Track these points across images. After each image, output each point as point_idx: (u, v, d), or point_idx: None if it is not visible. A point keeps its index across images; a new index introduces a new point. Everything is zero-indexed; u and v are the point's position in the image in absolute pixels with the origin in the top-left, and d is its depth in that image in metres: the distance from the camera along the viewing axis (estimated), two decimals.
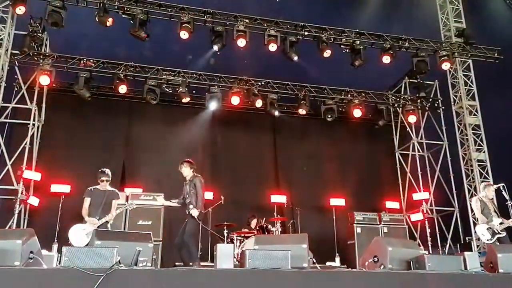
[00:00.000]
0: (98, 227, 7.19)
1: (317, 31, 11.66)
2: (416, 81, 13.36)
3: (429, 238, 11.74)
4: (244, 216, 10.68)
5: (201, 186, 7.84)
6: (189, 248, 7.45)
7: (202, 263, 8.29)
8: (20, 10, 9.99)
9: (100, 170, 7.68)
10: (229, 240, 9.56)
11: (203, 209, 7.89)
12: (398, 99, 13.64)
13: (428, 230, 11.90)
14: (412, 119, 13.05)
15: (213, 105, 12.01)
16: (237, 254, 8.82)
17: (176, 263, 8.79)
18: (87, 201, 7.44)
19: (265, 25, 11.32)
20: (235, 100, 12.06)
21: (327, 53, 11.40)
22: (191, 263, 7.29)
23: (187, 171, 7.99)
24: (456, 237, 12.36)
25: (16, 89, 11.30)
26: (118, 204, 7.75)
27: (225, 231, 9.66)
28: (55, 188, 10.57)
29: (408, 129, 13.45)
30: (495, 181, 11.30)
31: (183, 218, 7.93)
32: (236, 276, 4.79)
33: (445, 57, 12.12)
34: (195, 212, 7.57)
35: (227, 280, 4.70)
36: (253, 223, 10.31)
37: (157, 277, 4.60)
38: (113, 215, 7.46)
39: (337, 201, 12.18)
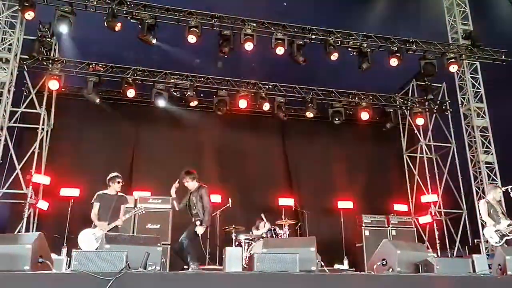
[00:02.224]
0: (107, 231, 7.23)
1: (324, 34, 11.66)
2: (423, 83, 13.33)
3: (437, 241, 11.71)
4: (252, 219, 10.68)
5: (208, 198, 7.75)
6: (188, 252, 7.42)
7: (210, 266, 8.31)
8: (29, 15, 10.06)
9: (114, 175, 7.69)
10: (237, 243, 9.57)
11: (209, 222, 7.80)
12: (405, 102, 13.62)
13: (436, 233, 11.89)
14: (420, 121, 13.03)
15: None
16: (246, 257, 8.83)
17: (185, 266, 8.82)
18: (96, 206, 7.47)
19: (272, 28, 11.35)
20: (242, 104, 12.11)
21: (334, 56, 11.40)
22: (189, 265, 7.29)
23: (191, 184, 7.84)
24: (464, 239, 12.31)
25: (25, 93, 11.40)
26: (126, 208, 7.80)
27: (233, 234, 9.67)
28: (64, 192, 10.67)
29: (416, 131, 13.43)
30: (503, 183, 11.28)
31: (190, 222, 7.91)
32: (244, 279, 4.82)
33: (453, 60, 12.09)
34: (200, 230, 7.49)
35: (236, 283, 4.72)
36: (261, 226, 10.31)
37: (166, 280, 4.63)
38: (122, 220, 7.50)
39: (345, 204, 12.21)
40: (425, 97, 13.30)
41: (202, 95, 12.54)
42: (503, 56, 12.60)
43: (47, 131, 11.59)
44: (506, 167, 12.46)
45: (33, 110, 11.18)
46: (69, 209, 10.25)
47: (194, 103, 12.13)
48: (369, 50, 11.71)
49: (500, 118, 13.14)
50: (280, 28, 11.38)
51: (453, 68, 12.24)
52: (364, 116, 12.71)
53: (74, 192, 10.62)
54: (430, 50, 12.23)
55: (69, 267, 4.82)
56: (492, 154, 12.67)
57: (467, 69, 13.34)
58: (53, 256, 5.92)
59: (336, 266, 10.54)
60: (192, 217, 7.77)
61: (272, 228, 9.91)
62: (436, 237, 11.83)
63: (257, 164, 13.01)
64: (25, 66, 11.12)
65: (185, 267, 7.79)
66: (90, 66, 11.56)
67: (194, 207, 7.72)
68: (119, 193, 7.67)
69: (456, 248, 12.32)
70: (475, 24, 13.47)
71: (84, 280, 4.23)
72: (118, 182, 7.63)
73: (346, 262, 10.93)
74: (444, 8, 13.95)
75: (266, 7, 12.32)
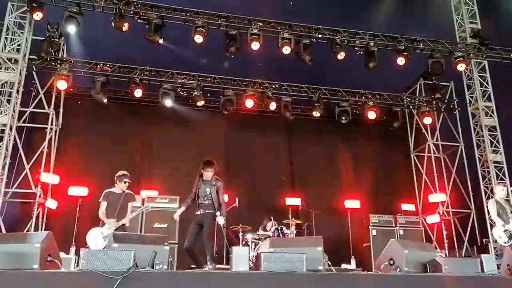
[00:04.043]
0: (115, 230, 7.26)
1: (331, 33, 11.65)
2: (431, 82, 13.26)
3: (445, 241, 11.64)
4: (259, 218, 10.69)
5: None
6: (207, 249, 7.31)
7: (217, 266, 8.30)
8: (38, 16, 10.15)
9: (122, 173, 7.71)
10: (244, 242, 9.58)
11: None
12: (413, 101, 13.57)
13: (444, 232, 11.81)
14: (427, 120, 12.97)
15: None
16: (252, 256, 8.83)
17: (192, 266, 8.84)
18: (103, 205, 7.50)
19: (279, 28, 11.35)
20: (249, 103, 12.13)
21: (341, 55, 11.39)
22: (207, 264, 7.19)
23: (210, 174, 7.57)
24: (473, 239, 12.23)
25: (34, 93, 11.48)
26: (133, 206, 7.82)
27: (240, 234, 9.67)
28: (73, 191, 10.72)
29: (424, 130, 13.36)
30: None
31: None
32: (251, 279, 4.81)
33: (460, 58, 12.04)
34: (221, 220, 7.34)
35: (243, 283, 4.72)
36: (269, 225, 10.31)
37: (173, 279, 4.65)
38: (129, 218, 7.52)
39: (352, 203, 12.17)
40: (432, 96, 13.23)
41: (209, 94, 12.57)
42: (511, 55, 12.51)
43: (55, 131, 11.68)
44: None
45: (42, 110, 11.26)
46: (78, 208, 10.30)
47: (201, 103, 12.18)
48: (376, 49, 11.69)
49: (509, 117, 13.03)
50: (286, 28, 11.38)
51: (461, 67, 12.18)
52: (371, 115, 12.68)
53: (82, 191, 10.68)
54: (438, 49, 12.18)
55: (77, 265, 4.85)
56: (500, 153, 12.59)
57: (475, 68, 13.26)
58: (62, 254, 5.97)
59: (343, 265, 10.52)
60: (199, 208, 7.52)
61: (279, 228, 9.90)
62: (444, 236, 11.77)
63: (263, 163, 13.00)
64: (33, 66, 11.20)
65: (193, 266, 7.80)
66: (98, 66, 11.64)
67: (207, 198, 7.48)
68: (126, 191, 7.69)
69: (464, 248, 12.25)
70: (483, 22, 13.39)
71: (92, 279, 4.25)
72: (125, 182, 7.65)
73: (353, 261, 10.91)
74: (452, 6, 13.88)
75: (272, 6, 12.31)
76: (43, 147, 10.92)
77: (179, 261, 9.48)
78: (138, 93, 11.63)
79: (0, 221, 10.10)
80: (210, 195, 7.52)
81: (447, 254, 11.00)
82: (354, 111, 13.01)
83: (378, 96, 13.08)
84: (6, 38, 10.72)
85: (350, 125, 13.05)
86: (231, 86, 12.28)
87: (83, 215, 10.09)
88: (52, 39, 11.18)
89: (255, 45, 10.98)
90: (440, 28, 13.59)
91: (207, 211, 7.48)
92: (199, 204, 7.55)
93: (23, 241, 4.89)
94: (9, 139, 10.40)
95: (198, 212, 7.52)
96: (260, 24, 11.24)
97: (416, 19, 13.82)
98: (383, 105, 13.24)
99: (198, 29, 10.72)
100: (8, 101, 10.48)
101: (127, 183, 7.67)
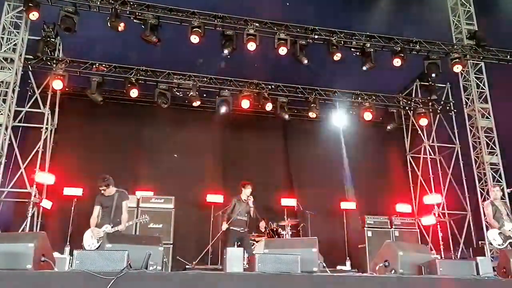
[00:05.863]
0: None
1: (327, 34, 11.64)
2: (427, 83, 13.26)
3: (441, 242, 11.63)
4: (254, 219, 10.66)
5: None
6: None
7: (211, 266, 8.41)
8: (34, 15, 10.12)
9: (99, 180, 7.37)
10: (239, 243, 9.56)
11: None
12: (409, 102, 13.57)
13: (440, 234, 11.80)
14: (423, 122, 12.95)
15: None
16: (247, 257, 8.81)
17: (187, 266, 8.83)
18: (96, 209, 7.30)
19: (275, 28, 11.33)
20: (245, 104, 12.10)
21: (337, 56, 11.38)
22: None
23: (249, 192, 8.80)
24: (468, 241, 12.23)
25: (29, 93, 11.42)
26: (129, 208, 7.72)
27: None
28: (68, 191, 10.70)
29: (420, 132, 13.36)
30: (508, 185, 11.22)
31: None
32: (245, 280, 4.80)
33: (457, 60, 12.01)
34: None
35: (236, 284, 4.70)
36: (261, 226, 10.29)
37: (166, 280, 4.63)
38: (125, 225, 7.34)
39: (348, 205, 12.17)
40: (428, 98, 13.25)
41: (205, 95, 12.54)
42: (508, 56, 12.53)
43: (51, 131, 11.62)
44: (511, 168, 12.37)
45: (37, 110, 11.20)
46: (73, 208, 10.28)
47: (197, 103, 12.14)
48: (372, 50, 11.67)
49: (505, 118, 13.04)
50: (283, 28, 11.36)
51: (457, 68, 12.16)
52: (367, 116, 12.68)
53: (77, 191, 10.65)
54: (434, 50, 12.16)
55: (71, 266, 4.83)
56: (496, 155, 12.58)
57: (472, 69, 13.28)
58: (57, 254, 5.94)
59: (339, 267, 10.53)
60: (236, 225, 8.64)
61: (274, 229, 9.90)
62: (440, 238, 11.76)
63: (259, 164, 12.97)
64: (29, 66, 11.16)
65: (187, 266, 7.80)
66: (94, 66, 11.61)
67: (247, 215, 8.74)
68: (118, 190, 7.50)
69: (460, 250, 12.25)
70: (479, 24, 13.39)
71: (85, 279, 4.24)
72: (100, 187, 7.35)
73: (348, 263, 10.91)
74: (449, 7, 13.88)
75: (268, 7, 12.30)
76: (39, 147, 10.86)
77: (174, 262, 9.46)
78: (134, 93, 11.59)
79: None
80: (248, 212, 8.78)
81: (443, 256, 11.02)
82: (350, 112, 12.99)
83: (374, 97, 13.07)
84: (2, 38, 10.68)
85: (346, 126, 13.02)
86: (227, 87, 12.26)
87: (78, 215, 10.06)
88: (48, 39, 11.15)
89: (252, 46, 10.96)
90: (436, 30, 13.59)
91: (245, 229, 8.83)
92: (237, 220, 8.68)
93: (17, 241, 4.87)
94: (5, 139, 10.36)
95: (238, 229, 8.66)
96: (257, 24, 11.22)
97: (413, 20, 13.83)
98: (379, 106, 13.22)
99: (194, 30, 10.70)
100: (4, 101, 10.44)
101: (101, 188, 7.32)
